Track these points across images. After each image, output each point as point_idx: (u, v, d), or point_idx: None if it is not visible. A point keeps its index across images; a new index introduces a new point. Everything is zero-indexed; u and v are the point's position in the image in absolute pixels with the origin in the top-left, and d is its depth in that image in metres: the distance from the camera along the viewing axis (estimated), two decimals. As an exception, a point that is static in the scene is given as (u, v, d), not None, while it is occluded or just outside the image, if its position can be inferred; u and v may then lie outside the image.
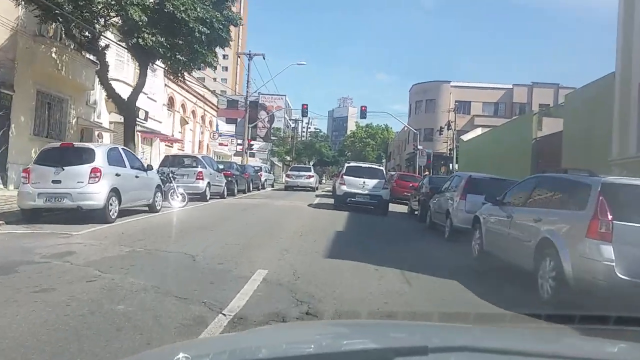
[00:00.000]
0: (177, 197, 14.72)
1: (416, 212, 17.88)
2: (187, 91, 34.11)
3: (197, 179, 17.33)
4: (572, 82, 65.00)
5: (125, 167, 11.35)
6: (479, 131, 41.21)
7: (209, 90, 40.21)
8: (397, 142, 79.19)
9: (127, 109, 18.01)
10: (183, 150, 33.94)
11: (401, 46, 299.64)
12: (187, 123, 34.53)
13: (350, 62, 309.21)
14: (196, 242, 8.46)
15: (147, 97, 26.36)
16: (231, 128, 62.10)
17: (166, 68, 18.74)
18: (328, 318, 4.54)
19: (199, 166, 17.71)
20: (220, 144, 44.38)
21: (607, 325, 3.82)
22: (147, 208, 12.75)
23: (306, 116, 42.45)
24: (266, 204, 18.51)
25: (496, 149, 27.61)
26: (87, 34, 16.27)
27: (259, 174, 31.80)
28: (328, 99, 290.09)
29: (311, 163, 70.29)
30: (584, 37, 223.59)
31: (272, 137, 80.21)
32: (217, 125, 43.87)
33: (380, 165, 19.35)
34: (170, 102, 31.92)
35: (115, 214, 10.60)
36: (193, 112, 36.29)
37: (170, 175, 14.88)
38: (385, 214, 17.39)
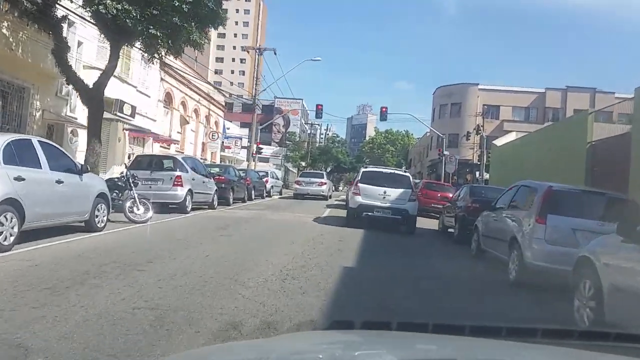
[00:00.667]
0: (139, 208, 11.17)
1: (451, 231, 14.07)
2: (187, 87, 30.78)
3: (174, 185, 13.81)
4: (609, 87, 59.64)
5: (38, 167, 7.79)
6: (513, 136, 37.09)
7: (214, 87, 36.82)
8: (418, 149, 75.18)
9: (92, 98, 14.56)
10: (183, 152, 30.57)
11: (421, 54, 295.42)
12: (188, 123, 31.16)
13: (370, 70, 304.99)
14: (90, 300, 4.80)
15: (137, 90, 23.02)
16: (245, 132, 59.00)
17: (142, 49, 15.25)
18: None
19: (178, 169, 14.19)
20: (226, 147, 40.90)
21: None
22: (83, 225, 9.19)
23: (320, 117, 38.85)
24: (259, 218, 14.86)
25: (539, 154, 23.43)
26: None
27: (264, 180, 28.23)
28: (347, 106, 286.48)
29: (327, 169, 66.64)
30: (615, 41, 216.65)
31: (287, 142, 76.91)
32: (224, 127, 40.46)
33: (405, 171, 15.61)
34: (168, 99, 28.59)
35: (11, 239, 7.01)
36: (196, 111, 32.95)
37: (130, 180, 11.33)
38: (412, 231, 13.63)
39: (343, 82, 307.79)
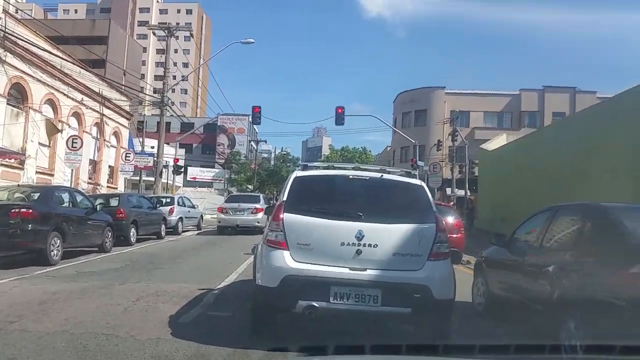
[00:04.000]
0: None
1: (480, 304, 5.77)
2: (60, 80, 21.28)
3: None
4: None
5: None
6: (504, 138, 29.31)
7: (114, 83, 27.21)
8: (379, 165, 67.20)
9: None
10: (49, 179, 21.06)
11: (375, 76, 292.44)
12: (60, 132, 21.49)
13: (325, 94, 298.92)
14: None
15: None
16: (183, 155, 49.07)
17: None
18: None
19: None
20: (145, 167, 30.94)
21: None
22: None
23: (258, 124, 29.89)
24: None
25: (569, 155, 15.18)
26: None
27: (170, 208, 18.87)
28: (302, 131, 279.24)
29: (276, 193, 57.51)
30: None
31: (232, 164, 67.43)
32: (129, 141, 30.77)
33: (414, 174, 6.80)
34: (20, 94, 19.05)
35: None
36: (77, 115, 23.34)
37: None
38: (443, 334, 4.79)
39: (297, 106, 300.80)
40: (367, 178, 5.35)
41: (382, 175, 5.41)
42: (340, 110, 27.92)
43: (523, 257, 5.95)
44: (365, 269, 4.67)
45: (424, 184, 5.47)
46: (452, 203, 25.29)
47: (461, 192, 34.32)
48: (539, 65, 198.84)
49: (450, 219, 11.55)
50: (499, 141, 28.60)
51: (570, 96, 49.55)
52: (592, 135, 14.27)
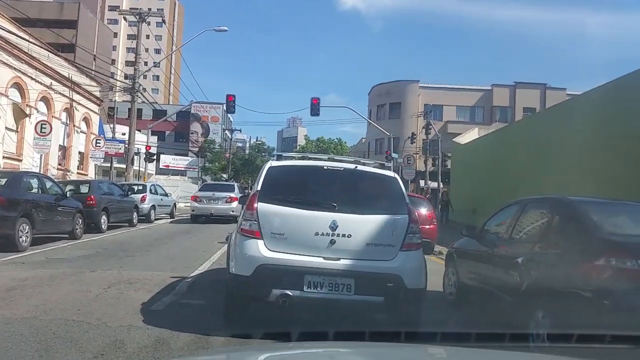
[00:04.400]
0: None
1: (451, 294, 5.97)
2: (27, 64, 20.66)
3: None
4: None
5: None
6: (476, 132, 29.76)
7: (84, 68, 26.55)
8: (353, 157, 67.43)
9: None
10: (17, 165, 20.57)
11: (351, 68, 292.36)
12: (28, 117, 20.90)
13: (301, 84, 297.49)
14: None
15: None
16: (155, 141, 48.11)
17: None
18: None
19: None
20: (117, 154, 30.23)
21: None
22: None
23: (233, 112, 29.51)
24: None
25: (553, 146, 15.43)
26: None
27: (142, 196, 18.62)
28: (277, 122, 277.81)
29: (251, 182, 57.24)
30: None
31: (206, 153, 66.69)
32: (100, 126, 30.13)
33: (387, 166, 6.83)
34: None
35: None
36: (46, 100, 22.73)
37: None
38: (415, 322, 4.84)
39: (273, 96, 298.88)
40: (342, 169, 5.37)
41: (356, 167, 5.44)
42: (315, 101, 27.87)
43: (493, 249, 6.09)
44: (339, 259, 4.71)
45: (397, 176, 5.53)
46: (428, 195, 25.59)
47: (434, 185, 34.78)
48: (511, 62, 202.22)
49: (424, 211, 11.69)
50: (471, 135, 29.02)
51: (541, 92, 50.56)
52: (559, 131, 14.61)
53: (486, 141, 23.56)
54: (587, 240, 4.66)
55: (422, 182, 37.57)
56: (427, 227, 10.84)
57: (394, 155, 29.76)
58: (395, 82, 52.57)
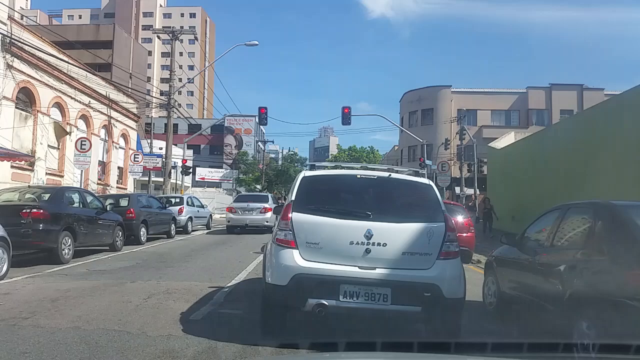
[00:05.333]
0: None
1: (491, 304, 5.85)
2: (67, 83, 21.44)
3: None
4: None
5: None
6: (513, 136, 29.17)
7: (121, 86, 27.39)
8: (385, 165, 67.01)
9: None
10: (59, 180, 21.27)
11: (381, 76, 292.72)
12: (69, 134, 21.64)
13: (331, 94, 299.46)
14: None
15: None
16: (191, 155, 49.09)
17: None
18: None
19: None
20: (154, 168, 31.05)
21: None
22: None
23: (265, 124, 29.91)
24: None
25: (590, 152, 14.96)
26: None
27: (179, 208, 19.01)
28: (309, 132, 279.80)
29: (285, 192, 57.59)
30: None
31: (240, 164, 67.61)
32: (137, 142, 30.94)
33: (422, 173, 6.78)
34: (28, 98, 19.21)
35: None
36: (85, 118, 23.50)
37: None
38: (454, 333, 4.78)
39: (304, 107, 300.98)
40: (375, 177, 5.34)
41: (390, 175, 5.40)
42: (346, 110, 27.95)
43: (534, 256, 5.91)
44: (374, 268, 4.67)
45: (432, 183, 5.45)
46: (471, 203, 25.12)
47: (470, 191, 34.19)
48: (545, 64, 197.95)
49: (460, 218, 11.50)
50: (507, 139, 28.46)
51: (578, 93, 49.24)
52: (600, 132, 14.15)
53: (524, 145, 23.05)
54: (633, 247, 4.48)
55: (457, 189, 37.04)
56: (465, 234, 10.66)
57: (427, 162, 29.45)
58: (427, 88, 52.11)
